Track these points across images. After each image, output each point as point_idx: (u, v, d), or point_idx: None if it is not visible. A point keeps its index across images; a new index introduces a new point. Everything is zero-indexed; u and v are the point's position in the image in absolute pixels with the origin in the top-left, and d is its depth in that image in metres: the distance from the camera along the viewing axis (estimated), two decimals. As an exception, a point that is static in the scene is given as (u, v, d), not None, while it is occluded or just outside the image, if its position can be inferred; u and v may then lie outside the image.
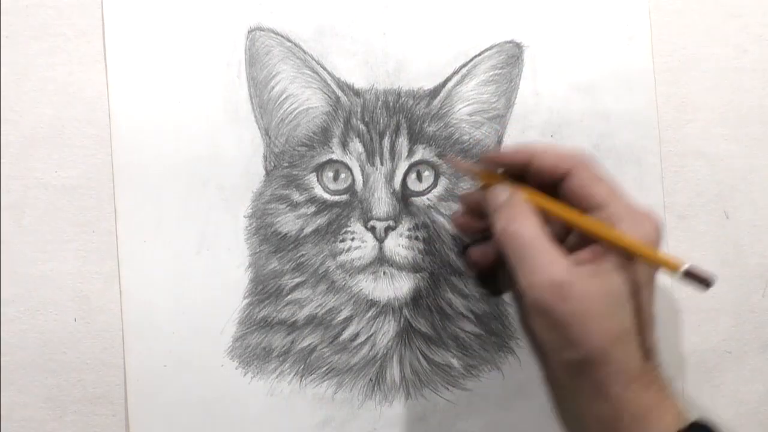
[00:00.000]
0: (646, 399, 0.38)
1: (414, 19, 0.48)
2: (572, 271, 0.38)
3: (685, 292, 0.50)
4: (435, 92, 0.48)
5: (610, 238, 0.39)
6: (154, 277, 0.45)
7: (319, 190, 0.47)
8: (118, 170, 0.45)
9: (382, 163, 0.47)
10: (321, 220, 0.46)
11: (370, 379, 0.47)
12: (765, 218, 0.51)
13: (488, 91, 0.49)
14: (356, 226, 0.46)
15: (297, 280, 0.46)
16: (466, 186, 0.48)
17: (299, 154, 0.47)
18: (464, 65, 0.48)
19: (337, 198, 0.47)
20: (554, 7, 0.49)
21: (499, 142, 0.49)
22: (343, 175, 0.47)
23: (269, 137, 0.46)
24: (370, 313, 0.47)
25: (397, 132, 0.47)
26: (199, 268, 0.45)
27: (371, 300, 0.47)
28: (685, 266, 0.35)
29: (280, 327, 0.46)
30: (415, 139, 0.47)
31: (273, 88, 0.46)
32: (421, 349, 0.47)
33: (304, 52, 0.47)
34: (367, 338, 0.47)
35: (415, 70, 0.48)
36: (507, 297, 0.46)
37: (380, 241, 0.46)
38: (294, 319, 0.46)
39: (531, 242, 0.39)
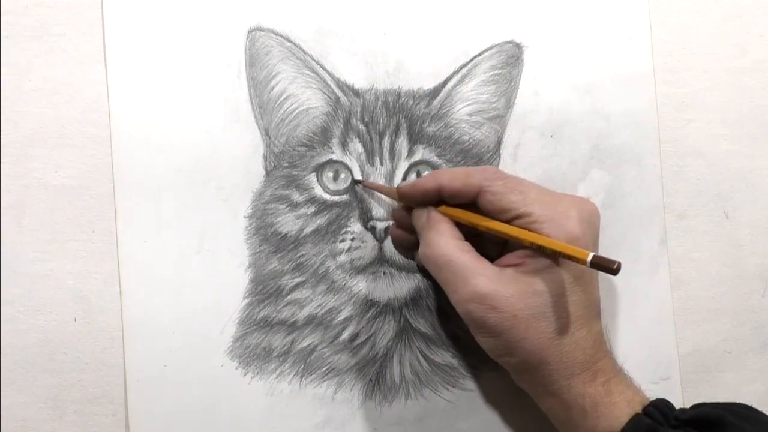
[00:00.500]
0: (592, 391, 0.39)
1: (414, 19, 0.48)
2: (496, 279, 0.39)
3: (685, 292, 0.50)
4: (435, 92, 0.48)
5: (515, 235, 0.39)
6: (154, 277, 0.45)
7: (319, 191, 0.47)
8: (118, 170, 0.45)
9: (381, 164, 0.47)
10: (321, 221, 0.46)
11: (370, 379, 0.47)
12: (765, 218, 0.51)
13: (488, 91, 0.49)
14: (356, 227, 0.46)
15: (297, 280, 0.46)
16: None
17: (299, 154, 0.47)
18: (464, 65, 0.48)
19: (337, 198, 0.47)
20: (554, 7, 0.49)
21: (499, 142, 0.49)
22: (342, 176, 0.47)
23: (269, 137, 0.46)
24: (370, 313, 0.47)
25: (396, 132, 0.47)
26: (199, 268, 0.45)
27: (371, 300, 0.47)
28: (590, 256, 0.36)
29: (280, 327, 0.46)
30: (415, 139, 0.47)
31: (273, 88, 0.46)
32: (421, 349, 0.47)
33: (304, 52, 0.46)
34: (367, 338, 0.47)
35: (415, 70, 0.48)
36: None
37: (380, 241, 0.46)
38: (294, 319, 0.46)
39: (449, 262, 0.40)
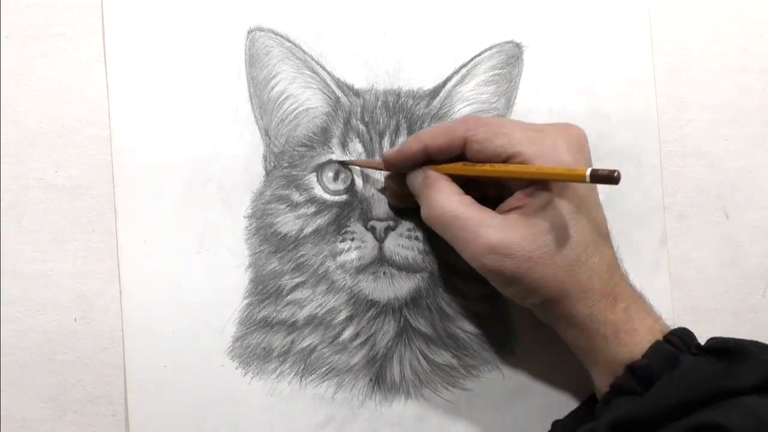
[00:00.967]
0: (612, 318, 0.40)
1: (414, 19, 0.48)
2: (503, 227, 0.39)
3: (685, 292, 0.50)
4: (435, 92, 0.48)
5: (512, 172, 0.40)
6: (154, 277, 0.45)
7: (318, 191, 0.47)
8: (118, 170, 0.45)
9: (382, 163, 0.47)
10: (321, 221, 0.46)
11: (370, 379, 0.47)
12: (765, 218, 0.51)
13: (488, 91, 0.48)
14: (356, 227, 0.46)
15: (297, 280, 0.46)
16: None
17: (299, 154, 0.47)
18: (464, 65, 0.48)
19: (337, 198, 0.47)
20: (554, 7, 0.49)
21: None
22: (342, 176, 0.47)
23: (269, 137, 0.46)
24: (370, 313, 0.47)
25: (396, 132, 0.47)
26: (199, 268, 0.45)
27: (371, 300, 0.47)
28: (588, 171, 0.36)
29: (280, 327, 0.46)
30: (415, 139, 0.47)
31: (273, 88, 0.46)
32: (421, 349, 0.47)
33: (304, 52, 0.46)
34: (367, 338, 0.47)
35: (415, 70, 0.48)
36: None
37: (380, 241, 0.46)
38: (294, 319, 0.46)
39: (454, 218, 0.40)
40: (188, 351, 0.45)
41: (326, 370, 0.46)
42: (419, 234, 0.47)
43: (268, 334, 0.46)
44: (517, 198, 0.40)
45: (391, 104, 0.47)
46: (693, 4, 0.51)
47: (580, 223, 0.40)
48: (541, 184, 0.40)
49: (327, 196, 0.47)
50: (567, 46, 0.49)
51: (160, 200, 0.45)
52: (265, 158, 0.46)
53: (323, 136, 0.47)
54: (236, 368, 0.45)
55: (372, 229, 0.46)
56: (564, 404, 0.47)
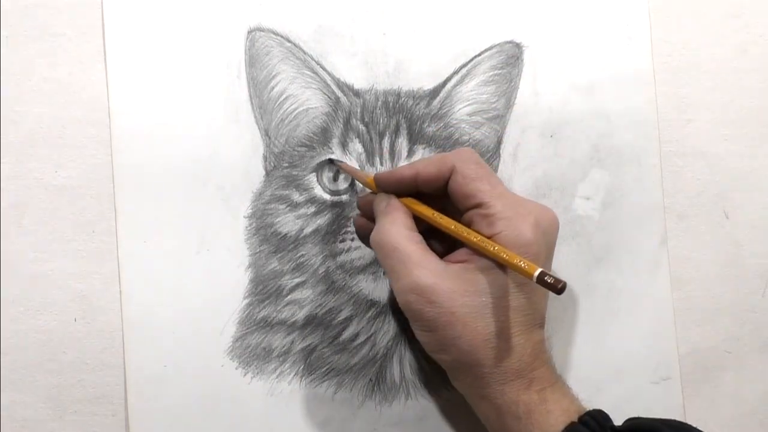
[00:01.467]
0: (526, 398, 0.39)
1: (414, 19, 0.48)
2: (438, 273, 0.39)
3: (685, 292, 0.50)
4: (435, 92, 0.48)
5: (466, 237, 0.39)
6: (154, 277, 0.45)
7: (318, 191, 0.47)
8: (118, 170, 0.45)
9: (381, 164, 0.47)
10: (321, 221, 0.46)
11: (370, 379, 0.47)
12: (765, 218, 0.51)
13: (488, 92, 0.49)
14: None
15: (297, 280, 0.46)
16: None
17: (299, 154, 0.47)
18: (464, 65, 0.48)
19: (336, 198, 0.47)
20: (554, 7, 0.49)
21: (499, 142, 0.49)
22: (342, 176, 0.47)
23: (269, 137, 0.46)
24: (370, 313, 0.47)
25: (396, 132, 0.47)
26: (199, 268, 0.45)
27: (371, 300, 0.47)
28: (537, 272, 0.35)
29: (280, 327, 0.46)
30: (414, 139, 0.47)
31: (273, 88, 0.46)
32: (421, 349, 0.47)
33: (304, 52, 0.47)
34: (367, 338, 0.47)
35: (415, 70, 0.48)
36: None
37: (380, 241, 0.46)
38: (294, 319, 0.46)
39: (395, 249, 0.40)
40: (188, 351, 0.45)
41: (326, 370, 0.46)
42: (419, 234, 0.47)
43: (268, 334, 0.46)
44: (466, 251, 0.40)
45: (391, 104, 0.47)
46: (693, 4, 0.51)
47: (516, 300, 0.39)
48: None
49: (327, 196, 0.47)
50: (567, 46, 0.49)
51: (160, 200, 0.45)
52: (265, 158, 0.46)
53: (323, 137, 0.47)
54: (236, 368, 0.45)
55: (372, 229, 0.46)
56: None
